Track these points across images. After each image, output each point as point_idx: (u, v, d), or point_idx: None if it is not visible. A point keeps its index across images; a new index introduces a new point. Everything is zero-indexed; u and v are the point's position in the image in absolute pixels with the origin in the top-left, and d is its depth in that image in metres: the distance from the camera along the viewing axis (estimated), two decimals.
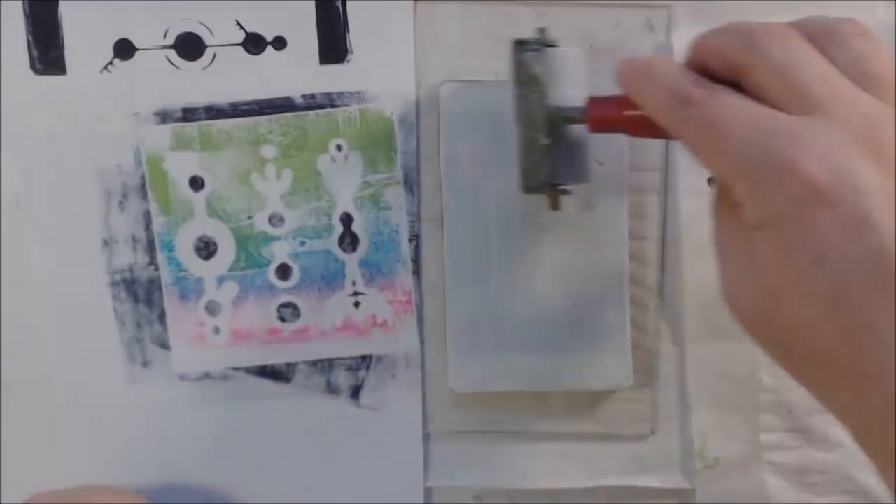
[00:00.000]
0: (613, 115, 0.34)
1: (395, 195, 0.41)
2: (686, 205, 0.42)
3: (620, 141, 0.41)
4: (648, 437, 0.44)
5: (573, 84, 0.37)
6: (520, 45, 0.36)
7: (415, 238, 0.42)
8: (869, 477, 0.43)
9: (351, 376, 0.43)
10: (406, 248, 0.42)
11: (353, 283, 0.42)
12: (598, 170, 0.40)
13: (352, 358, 0.42)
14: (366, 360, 0.42)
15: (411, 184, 0.41)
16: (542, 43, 0.36)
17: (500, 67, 0.40)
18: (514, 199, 0.41)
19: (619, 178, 0.41)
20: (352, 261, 0.42)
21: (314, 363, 0.42)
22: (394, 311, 0.42)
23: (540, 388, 0.42)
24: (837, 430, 0.43)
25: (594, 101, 0.35)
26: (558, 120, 0.36)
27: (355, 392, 0.43)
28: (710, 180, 0.38)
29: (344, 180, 0.41)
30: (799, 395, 0.42)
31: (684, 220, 0.42)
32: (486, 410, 0.43)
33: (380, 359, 0.42)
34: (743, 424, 0.43)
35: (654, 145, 0.42)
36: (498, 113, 0.40)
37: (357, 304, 0.42)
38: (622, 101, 0.33)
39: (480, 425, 0.43)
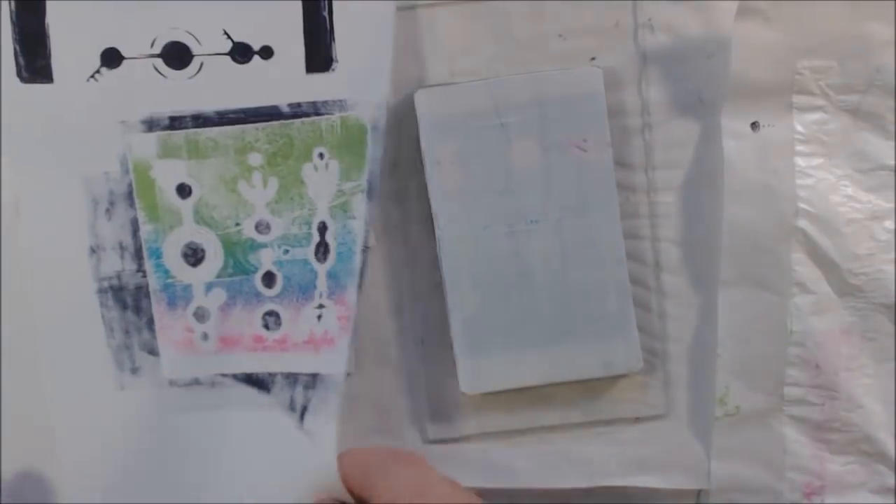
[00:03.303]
0: None
1: (360, 204, 0.41)
2: (727, 146, 0.41)
3: (601, 123, 0.41)
4: (650, 434, 0.44)
5: None
6: None
7: (366, 249, 0.41)
8: (888, 439, 0.43)
9: (302, 395, 0.42)
10: (357, 261, 0.41)
11: (321, 295, 0.42)
12: (582, 156, 0.40)
13: (308, 375, 0.42)
14: (314, 378, 0.42)
15: (373, 192, 0.41)
16: None
17: (500, 68, 0.41)
18: (503, 195, 0.41)
19: (603, 160, 0.41)
20: (322, 271, 0.42)
21: (287, 375, 0.42)
22: (340, 328, 0.42)
23: (550, 381, 0.42)
24: (861, 389, 0.42)
25: None
26: None
27: (303, 413, 0.42)
28: (753, 124, 0.40)
29: (323, 188, 0.41)
30: (828, 352, 0.41)
31: (725, 164, 0.41)
32: (486, 411, 0.43)
33: (322, 379, 0.42)
34: (768, 376, 0.43)
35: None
36: (476, 113, 0.41)
37: (319, 318, 0.42)
38: None
39: (480, 427, 0.44)
